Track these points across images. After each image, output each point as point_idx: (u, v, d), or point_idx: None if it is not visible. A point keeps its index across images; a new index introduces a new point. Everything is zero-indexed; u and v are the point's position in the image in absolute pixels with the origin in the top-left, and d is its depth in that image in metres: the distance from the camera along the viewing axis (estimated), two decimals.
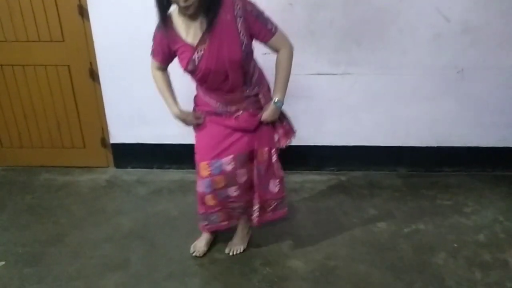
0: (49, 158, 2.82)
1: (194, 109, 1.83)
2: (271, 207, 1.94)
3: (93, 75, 2.58)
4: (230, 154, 1.77)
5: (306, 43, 2.43)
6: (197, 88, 1.81)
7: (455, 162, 2.75)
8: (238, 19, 1.55)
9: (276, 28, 1.66)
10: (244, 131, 1.77)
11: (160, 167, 2.81)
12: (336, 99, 2.58)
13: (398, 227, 2.24)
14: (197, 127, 1.82)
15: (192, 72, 1.62)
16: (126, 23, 2.38)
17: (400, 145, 2.70)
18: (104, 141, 2.77)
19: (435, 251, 2.07)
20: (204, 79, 1.64)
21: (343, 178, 2.73)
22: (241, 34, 1.56)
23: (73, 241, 2.16)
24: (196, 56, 1.57)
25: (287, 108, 2.59)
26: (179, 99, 1.80)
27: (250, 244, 2.11)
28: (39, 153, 2.81)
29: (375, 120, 2.64)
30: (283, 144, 1.88)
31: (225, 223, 1.96)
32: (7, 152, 2.82)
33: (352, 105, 2.60)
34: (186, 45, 1.59)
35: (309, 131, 2.67)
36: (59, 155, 2.81)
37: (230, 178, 1.81)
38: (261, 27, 1.61)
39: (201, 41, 1.56)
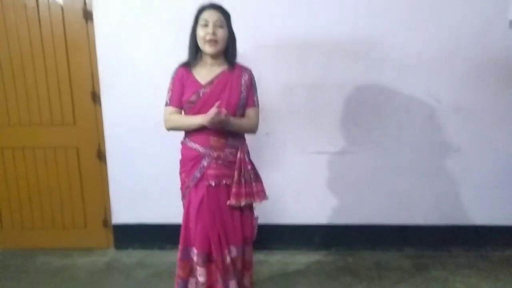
0: (49, 239, 2.77)
1: (180, 174, 1.93)
2: None
3: (101, 155, 2.66)
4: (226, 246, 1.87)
5: (305, 123, 2.55)
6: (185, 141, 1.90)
7: (463, 241, 2.68)
8: (244, 77, 1.86)
9: (258, 104, 1.91)
10: (225, 184, 1.85)
11: (161, 248, 2.74)
12: (337, 177, 2.62)
13: None
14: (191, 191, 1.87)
15: (193, 103, 1.80)
16: (135, 106, 2.53)
17: (405, 223, 2.67)
18: (106, 221, 2.75)
19: None
20: (201, 112, 1.78)
21: (349, 259, 2.63)
22: (242, 87, 1.84)
23: None
24: (201, 90, 1.81)
25: (289, 185, 2.64)
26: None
27: None
28: (39, 234, 2.77)
29: (377, 198, 2.64)
30: (258, 200, 1.90)
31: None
32: (7, 234, 2.78)
33: (354, 183, 2.62)
34: (196, 81, 1.83)
35: (312, 210, 2.67)
36: (59, 236, 2.77)
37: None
38: (250, 95, 1.88)
39: (209, 82, 1.81)
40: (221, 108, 1.69)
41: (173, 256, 2.66)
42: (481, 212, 2.63)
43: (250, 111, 1.89)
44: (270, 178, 2.63)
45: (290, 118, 2.54)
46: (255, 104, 1.89)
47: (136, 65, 2.49)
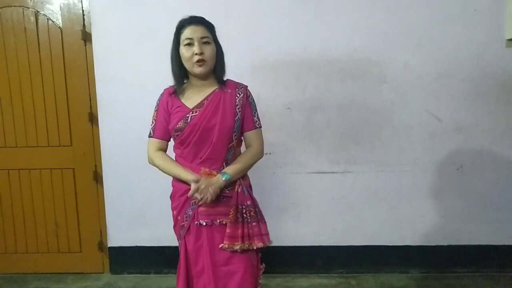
0: (43, 264, 2.69)
1: (172, 211, 1.72)
2: None
3: (97, 177, 2.62)
4: None
5: (305, 143, 2.52)
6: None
7: (468, 262, 2.61)
8: (238, 95, 1.63)
9: (259, 125, 1.69)
10: (219, 223, 1.59)
11: (158, 272, 2.67)
12: (339, 197, 2.57)
13: None
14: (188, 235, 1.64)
15: (180, 130, 1.59)
16: (132, 128, 2.50)
17: (409, 244, 2.60)
18: (101, 244, 2.68)
19: None
20: (189, 138, 1.58)
21: (353, 281, 2.56)
22: (237, 107, 1.61)
23: None
24: (190, 115, 1.59)
25: (289, 206, 2.59)
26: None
27: None
28: (33, 259, 2.69)
29: (380, 218, 2.59)
30: (260, 244, 1.61)
31: None
32: (0, 259, 2.70)
33: (355, 203, 2.57)
34: (183, 106, 1.62)
35: (313, 231, 2.61)
36: (53, 261, 2.69)
37: None
38: (249, 115, 1.65)
39: (199, 105, 1.60)
40: (207, 171, 1.53)
41: (170, 281, 2.60)
42: (486, 231, 2.57)
43: (250, 135, 1.65)
44: (270, 199, 2.60)
45: (289, 139, 2.51)
46: (256, 125, 1.66)
47: (134, 87, 2.49)
